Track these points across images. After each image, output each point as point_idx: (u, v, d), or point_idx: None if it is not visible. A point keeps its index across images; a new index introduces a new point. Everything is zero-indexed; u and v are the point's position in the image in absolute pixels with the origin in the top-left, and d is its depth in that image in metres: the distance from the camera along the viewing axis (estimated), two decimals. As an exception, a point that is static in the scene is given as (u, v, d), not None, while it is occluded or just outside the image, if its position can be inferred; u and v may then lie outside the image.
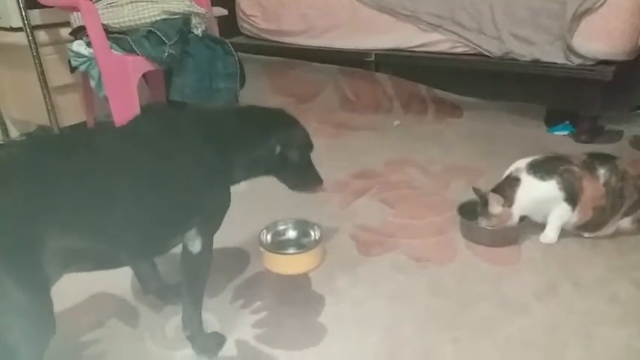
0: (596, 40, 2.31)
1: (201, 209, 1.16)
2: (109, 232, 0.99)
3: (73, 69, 2.31)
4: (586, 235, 1.69)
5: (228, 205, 1.23)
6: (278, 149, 1.29)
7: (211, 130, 1.21)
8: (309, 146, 1.41)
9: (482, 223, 1.68)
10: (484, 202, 1.66)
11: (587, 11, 2.29)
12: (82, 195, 0.94)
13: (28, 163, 0.93)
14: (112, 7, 2.23)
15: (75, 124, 2.55)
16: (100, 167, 1.00)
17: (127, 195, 1.01)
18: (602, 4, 2.27)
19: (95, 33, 2.08)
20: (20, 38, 2.32)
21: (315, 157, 2.39)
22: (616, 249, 1.64)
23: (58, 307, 1.36)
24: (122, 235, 1.02)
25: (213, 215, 1.20)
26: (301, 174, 1.40)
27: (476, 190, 1.70)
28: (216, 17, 2.91)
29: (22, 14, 2.22)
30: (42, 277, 0.89)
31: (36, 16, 2.36)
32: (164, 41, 2.17)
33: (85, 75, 2.30)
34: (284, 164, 1.33)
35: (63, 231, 0.91)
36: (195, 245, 1.17)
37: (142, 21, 2.22)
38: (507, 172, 1.71)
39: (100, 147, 1.05)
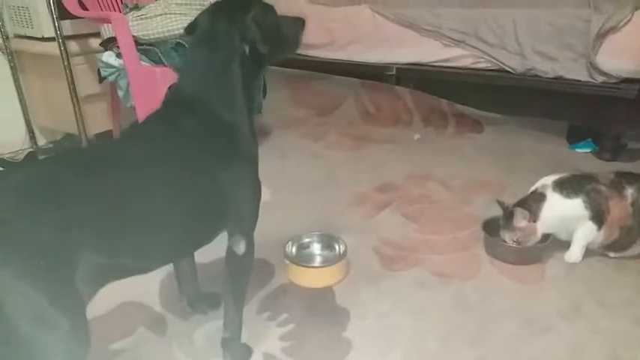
0: (620, 58, 2.31)
1: (243, 207, 1.17)
2: (139, 244, 1.00)
3: (101, 79, 2.36)
4: (612, 255, 1.69)
5: (261, 190, 1.22)
6: (247, 48, 1.15)
7: (213, 97, 1.14)
8: (268, 11, 1.22)
9: (505, 236, 1.68)
10: (508, 215, 1.67)
11: (612, 29, 2.29)
12: (109, 210, 0.94)
13: (53, 182, 0.92)
14: (141, 19, 2.28)
15: (101, 133, 2.61)
16: (123, 179, 0.99)
17: (156, 205, 1.01)
18: (626, 23, 2.27)
19: (125, 44, 2.13)
20: (51, 48, 2.39)
21: (336, 169, 2.43)
22: (641, 269, 1.63)
23: (88, 315, 1.41)
24: (153, 243, 1.03)
25: (252, 214, 1.20)
26: (281, 35, 1.24)
27: (500, 203, 1.71)
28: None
29: (54, 25, 2.28)
30: (77, 298, 0.89)
31: (67, 26, 2.42)
32: (192, 53, 2.21)
33: (114, 85, 2.35)
34: (266, 30, 1.15)
35: (94, 249, 0.91)
36: (240, 247, 1.19)
37: (171, 33, 2.27)
38: (533, 188, 1.71)
39: (119, 157, 1.04)
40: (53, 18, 2.29)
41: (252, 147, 1.21)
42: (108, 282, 1.00)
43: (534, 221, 1.63)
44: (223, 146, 1.14)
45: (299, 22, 1.30)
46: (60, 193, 0.90)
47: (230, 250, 1.21)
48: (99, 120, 2.61)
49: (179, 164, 1.08)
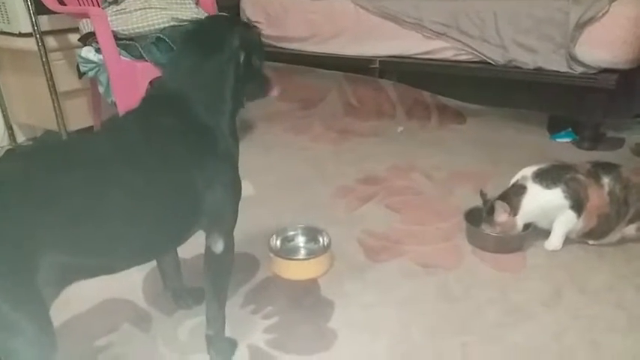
0: (599, 48, 2.34)
1: (223, 205, 1.15)
2: (105, 243, 0.97)
3: (81, 74, 2.33)
4: (591, 242, 1.72)
5: (241, 189, 1.21)
6: (242, 55, 1.16)
7: (193, 97, 1.14)
8: (263, 49, 1.29)
9: (486, 229, 1.70)
10: (489, 208, 1.69)
11: (590, 20, 2.32)
12: (72, 208, 0.91)
13: (16, 179, 0.89)
14: (121, 13, 2.25)
15: (81, 129, 2.57)
16: (91, 177, 0.96)
17: (123, 204, 0.98)
18: (604, 14, 2.30)
19: (105, 39, 2.11)
20: (29, 44, 2.35)
21: (320, 162, 2.43)
22: (621, 256, 1.66)
23: (72, 311, 1.40)
24: (120, 242, 1.00)
25: (231, 213, 1.18)
26: (259, 79, 1.29)
27: (482, 195, 1.73)
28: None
29: (31, 20, 2.24)
30: (39, 301, 0.87)
31: (45, 22, 2.38)
32: (172, 48, 2.19)
33: (94, 80, 2.33)
34: (246, 72, 1.19)
35: (57, 249, 0.89)
36: (218, 245, 1.18)
37: (151, 28, 2.24)
38: (513, 180, 1.73)
39: (89, 155, 1.01)
40: (30, 13, 2.25)
41: (232, 148, 1.19)
42: (72, 282, 0.98)
43: (514, 215, 1.65)
44: (200, 146, 1.12)
45: (270, 81, 1.34)
46: (21, 190, 0.87)
47: (208, 249, 1.19)
48: (79, 116, 2.57)
49: (150, 162, 1.06)
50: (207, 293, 1.24)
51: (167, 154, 1.08)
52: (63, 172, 0.94)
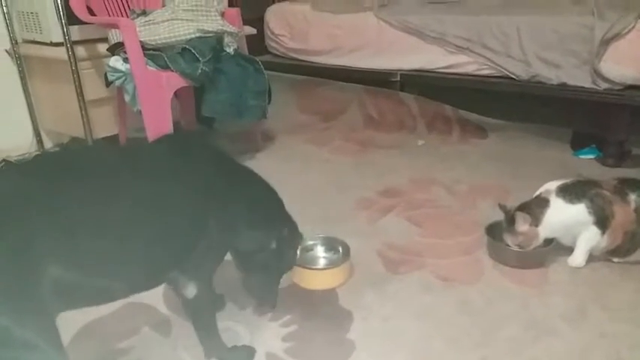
0: (624, 65, 2.32)
1: (198, 249, 1.12)
2: (105, 261, 0.97)
3: (108, 83, 2.38)
4: (615, 260, 1.69)
5: (224, 256, 1.24)
6: (274, 245, 1.28)
7: (235, 185, 1.22)
8: (293, 262, 1.42)
9: (507, 240, 1.68)
10: (510, 218, 1.67)
11: (615, 37, 2.31)
12: (76, 221, 0.91)
13: (23, 190, 0.89)
14: (149, 24, 2.31)
15: (107, 137, 2.63)
16: (97, 194, 0.96)
17: (125, 224, 0.99)
18: (630, 30, 2.29)
19: (133, 49, 2.16)
20: (59, 53, 2.41)
21: (340, 173, 2.44)
22: (645, 274, 1.63)
23: (94, 314, 1.42)
24: (118, 266, 0.99)
25: (206, 259, 1.16)
26: (269, 285, 1.36)
27: (502, 207, 1.72)
28: (244, 35, 2.99)
29: (63, 30, 2.31)
30: (45, 310, 0.87)
31: (75, 31, 2.45)
32: (198, 58, 2.24)
33: (120, 89, 2.37)
34: (267, 264, 1.30)
35: (59, 262, 0.88)
36: (189, 290, 1.15)
37: (177, 38, 2.29)
38: (536, 194, 1.71)
39: (100, 171, 1.02)
40: (62, 23, 2.31)
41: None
42: (71, 306, 0.97)
43: (536, 226, 1.63)
44: (209, 198, 1.14)
45: (274, 301, 1.38)
46: (27, 201, 0.88)
47: (181, 294, 1.17)
48: (105, 124, 2.63)
49: (159, 187, 1.06)
50: (195, 330, 1.23)
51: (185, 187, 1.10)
52: (67, 183, 0.94)
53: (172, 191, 1.08)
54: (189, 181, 1.12)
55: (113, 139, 2.62)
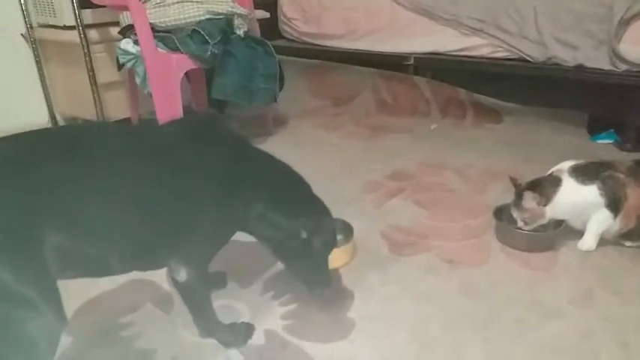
0: (645, 45, 2.25)
1: (190, 238, 1.12)
2: (102, 234, 0.99)
3: (120, 66, 2.40)
4: (628, 244, 1.64)
5: (224, 243, 1.22)
6: (304, 235, 1.22)
7: (246, 168, 1.20)
8: (333, 246, 1.31)
9: (514, 214, 1.65)
10: (519, 194, 1.64)
11: (635, 16, 2.23)
12: (78, 193, 0.94)
13: (28, 156, 0.92)
14: (159, 6, 2.31)
15: (120, 120, 2.65)
16: (99, 169, 0.99)
17: (123, 200, 1.01)
18: (651, 9, 2.21)
19: (143, 31, 2.16)
20: (73, 36, 2.44)
21: (350, 158, 2.42)
22: (659, 259, 1.58)
23: (99, 289, 1.44)
24: (115, 240, 1.01)
25: (201, 244, 1.16)
26: (313, 270, 1.28)
27: (513, 180, 1.69)
28: (257, 20, 2.97)
29: (75, 13, 2.33)
30: (47, 269, 0.88)
31: (88, 15, 2.47)
32: (207, 40, 2.24)
33: (131, 72, 2.39)
34: (302, 252, 1.24)
35: (57, 230, 0.90)
36: (180, 274, 1.13)
37: (187, 20, 2.29)
38: (550, 171, 1.67)
39: (104, 147, 1.04)
40: (74, 7, 2.33)
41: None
42: (69, 274, 0.98)
43: (544, 205, 1.60)
44: (210, 183, 1.13)
45: (328, 282, 1.31)
46: (31, 167, 0.90)
47: (172, 277, 1.16)
48: (118, 107, 2.65)
49: (165, 167, 1.07)
50: (188, 310, 1.23)
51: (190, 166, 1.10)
52: (71, 155, 0.96)
53: (174, 173, 1.09)
54: (192, 165, 1.12)
55: (126, 122, 2.64)
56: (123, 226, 1.01)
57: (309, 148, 2.58)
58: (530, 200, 1.60)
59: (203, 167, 1.13)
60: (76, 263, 0.99)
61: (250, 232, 1.26)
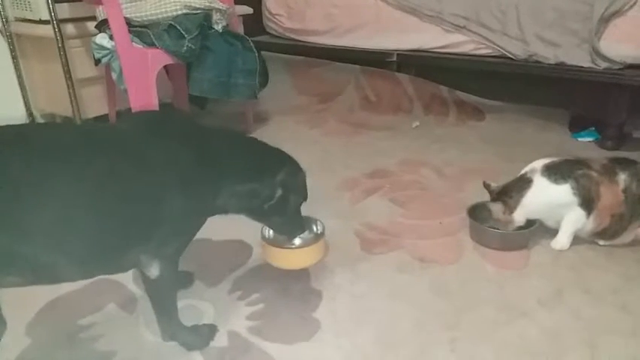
0: (625, 43, 2.23)
1: (160, 229, 1.08)
2: (51, 236, 0.94)
3: (97, 62, 2.36)
4: (601, 242, 1.63)
5: (194, 234, 1.19)
6: (279, 192, 1.26)
7: (207, 152, 1.16)
8: (306, 193, 1.38)
9: (491, 219, 1.65)
10: (490, 200, 1.65)
11: (616, 13, 2.22)
12: (21, 194, 0.90)
13: None
14: (135, 1, 2.28)
15: (98, 117, 2.62)
16: (47, 167, 0.94)
17: (76, 197, 0.96)
18: (631, 6, 2.20)
19: (116, 25, 2.12)
20: (49, 31, 2.39)
21: (330, 155, 2.40)
22: (632, 258, 1.57)
23: (61, 290, 1.41)
24: (68, 242, 0.96)
25: (171, 239, 1.12)
26: (291, 221, 1.37)
27: (486, 186, 1.68)
28: (241, 16, 2.94)
29: (49, 7, 2.29)
30: None
31: (65, 9, 2.43)
32: (184, 35, 2.20)
33: (108, 67, 2.35)
34: (280, 208, 1.28)
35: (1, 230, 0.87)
36: (152, 270, 1.11)
37: (164, 15, 2.26)
38: (522, 172, 1.66)
39: (55, 143, 1.00)
40: (48, 1, 2.29)
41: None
42: (10, 280, 0.94)
43: (510, 214, 1.60)
44: (169, 172, 1.09)
45: (302, 227, 1.44)
46: None
47: (142, 273, 1.12)
48: (97, 103, 2.61)
49: (121, 163, 1.04)
50: (154, 310, 1.20)
51: (144, 165, 1.07)
52: (17, 154, 0.93)
53: (130, 166, 1.05)
54: (149, 157, 1.08)
55: (103, 118, 2.61)
56: (76, 227, 0.97)
57: (289, 145, 2.47)
58: (496, 212, 1.61)
59: (161, 158, 1.09)
60: (21, 268, 0.94)
61: (226, 212, 1.25)
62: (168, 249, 1.13)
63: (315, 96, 3.18)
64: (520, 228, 1.63)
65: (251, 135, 2.66)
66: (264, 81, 2.55)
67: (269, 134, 2.71)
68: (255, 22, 3.32)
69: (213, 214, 1.23)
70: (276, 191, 1.25)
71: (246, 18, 3.03)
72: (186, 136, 1.19)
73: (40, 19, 2.46)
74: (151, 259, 1.10)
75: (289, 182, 1.27)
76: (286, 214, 1.32)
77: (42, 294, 1.40)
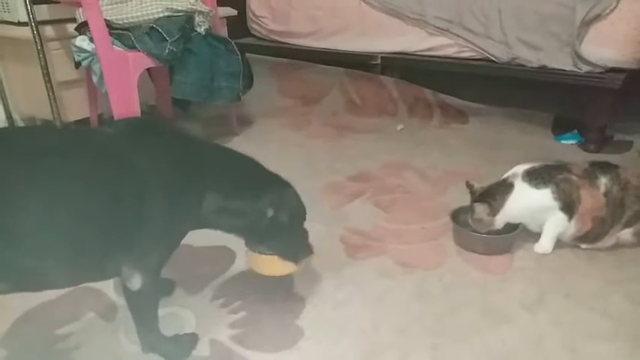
0: (606, 47, 2.25)
1: (141, 235, 1.06)
2: (33, 242, 0.93)
3: (77, 64, 2.33)
4: (583, 246, 1.64)
5: (177, 243, 1.17)
6: (270, 212, 1.22)
7: (191, 161, 1.15)
8: (303, 214, 1.33)
9: (469, 220, 1.65)
10: (472, 204, 1.64)
11: (597, 17, 2.24)
12: (4, 195, 0.90)
13: None
14: (116, 3, 2.25)
15: (79, 120, 2.57)
16: (25, 172, 0.93)
17: (51, 204, 0.95)
18: (612, 11, 2.21)
19: (96, 28, 2.09)
20: (27, 33, 2.35)
21: (314, 158, 2.38)
22: (614, 261, 1.58)
23: (40, 299, 1.38)
24: (50, 248, 0.95)
25: (152, 247, 1.10)
26: (292, 243, 1.30)
27: (469, 186, 1.68)
28: (225, 17, 2.92)
29: (27, 8, 2.25)
30: None
31: (44, 11, 2.38)
32: (165, 38, 2.18)
33: (89, 70, 2.32)
34: (273, 230, 1.24)
35: None
36: (134, 282, 1.08)
37: (145, 17, 2.23)
38: (504, 176, 1.66)
39: (37, 148, 0.98)
40: (26, 2, 2.25)
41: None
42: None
43: (493, 216, 1.60)
44: (151, 178, 1.08)
45: (309, 249, 1.35)
46: None
47: (123, 284, 1.10)
48: (77, 107, 2.57)
49: (105, 170, 1.02)
50: (134, 322, 1.18)
51: (124, 172, 1.05)
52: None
53: (108, 173, 1.03)
54: (132, 165, 1.06)
55: (85, 122, 2.57)
56: (59, 230, 0.96)
57: (273, 148, 2.54)
58: (480, 212, 1.60)
59: (143, 164, 1.08)
60: (6, 274, 0.93)
61: (215, 227, 1.24)
62: (149, 260, 1.11)
63: (299, 98, 3.17)
64: (500, 232, 1.63)
65: (236, 136, 2.67)
66: (249, 83, 2.53)
67: (253, 137, 2.70)
68: (239, 24, 3.30)
69: (200, 226, 1.22)
70: (266, 211, 1.22)
71: (230, 20, 3.01)
72: (169, 144, 1.18)
73: (19, 21, 2.42)
74: (132, 270, 1.08)
75: (280, 203, 1.23)
76: (282, 237, 1.26)
77: (17, 303, 1.37)
